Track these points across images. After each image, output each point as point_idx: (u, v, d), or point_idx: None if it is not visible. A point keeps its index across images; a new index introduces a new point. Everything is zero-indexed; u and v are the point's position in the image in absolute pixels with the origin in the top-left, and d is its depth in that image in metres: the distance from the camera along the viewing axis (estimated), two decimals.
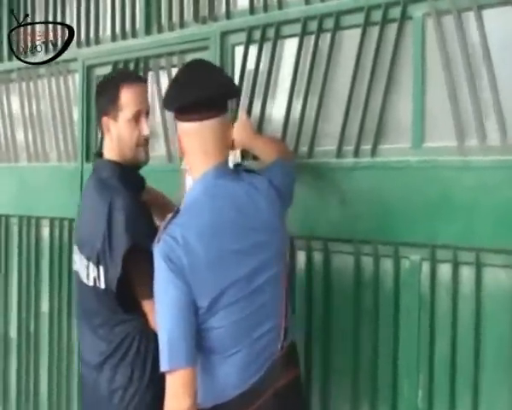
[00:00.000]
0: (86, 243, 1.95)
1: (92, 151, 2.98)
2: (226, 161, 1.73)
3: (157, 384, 1.77)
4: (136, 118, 1.97)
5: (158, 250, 1.63)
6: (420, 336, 1.95)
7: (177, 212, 1.67)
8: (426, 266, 1.94)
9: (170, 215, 1.68)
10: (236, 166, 1.80)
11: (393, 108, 2.05)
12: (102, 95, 2.01)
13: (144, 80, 2.07)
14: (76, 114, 3.07)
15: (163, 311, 1.61)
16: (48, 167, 3.23)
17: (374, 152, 2.08)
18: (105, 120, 1.98)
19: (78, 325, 2.08)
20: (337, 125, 2.15)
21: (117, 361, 1.92)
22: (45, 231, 3.23)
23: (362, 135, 2.10)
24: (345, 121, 2.13)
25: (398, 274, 2.01)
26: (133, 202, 1.90)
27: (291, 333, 1.74)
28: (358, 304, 2.09)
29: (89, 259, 1.93)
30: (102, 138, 2.15)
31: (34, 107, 3.31)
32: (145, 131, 1.99)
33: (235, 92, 1.78)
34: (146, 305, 1.85)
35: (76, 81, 3.08)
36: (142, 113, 1.99)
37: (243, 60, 2.39)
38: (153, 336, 1.79)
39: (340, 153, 2.15)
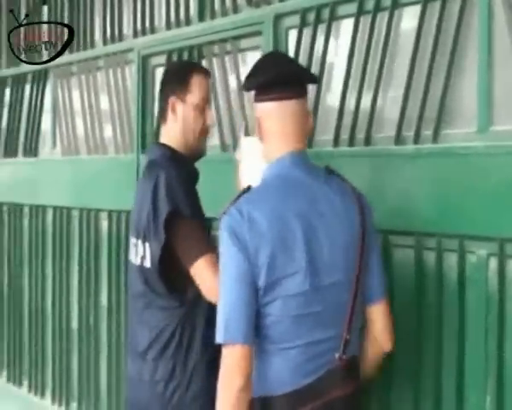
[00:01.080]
0: (136, 223, 1.97)
1: (149, 142, 2.98)
2: (304, 151, 1.69)
3: (198, 384, 1.74)
4: (203, 105, 2.00)
5: (223, 222, 1.60)
6: (487, 336, 1.82)
7: (247, 189, 1.65)
8: (493, 262, 1.82)
9: (239, 192, 1.66)
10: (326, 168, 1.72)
11: (457, 90, 1.93)
12: (172, 75, 2.03)
13: (210, 75, 2.09)
14: (133, 105, 3.09)
15: (225, 282, 1.59)
16: (106, 159, 3.26)
17: (436, 137, 1.96)
18: (172, 99, 1.98)
19: (127, 312, 2.09)
20: (396, 109, 2.04)
21: (159, 351, 1.90)
22: (104, 224, 3.26)
23: (423, 119, 1.98)
24: (404, 105, 2.02)
25: (464, 270, 1.89)
26: (178, 177, 1.90)
27: (354, 347, 1.66)
28: (420, 302, 1.98)
29: (138, 237, 1.95)
30: (159, 126, 2.13)
31: (93, 99, 3.35)
32: (210, 120, 2.03)
33: (313, 78, 1.76)
34: (194, 268, 1.82)
35: (133, 72, 3.09)
36: (208, 102, 2.03)
37: (297, 43, 2.31)
38: (196, 332, 1.76)
39: (399, 139, 2.04)
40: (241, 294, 1.56)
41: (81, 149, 3.47)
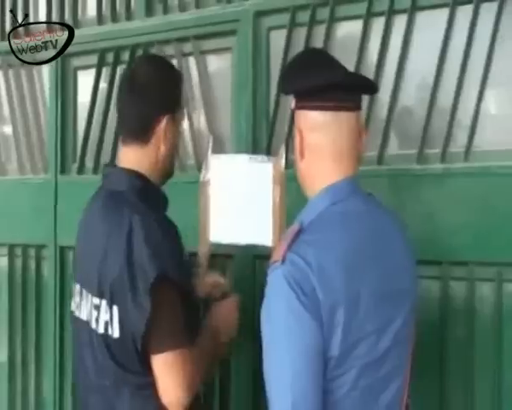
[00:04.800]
0: (95, 276, 1.58)
1: (69, 160, 2.59)
2: (357, 177, 1.42)
3: None
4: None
5: (282, 273, 1.27)
6: None
7: (300, 229, 1.33)
8: None
9: (293, 230, 1.34)
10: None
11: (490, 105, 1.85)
12: (160, 84, 1.62)
13: None
14: (44, 115, 2.66)
15: (283, 361, 1.26)
16: (5, 182, 2.78)
17: (467, 156, 1.85)
18: (166, 119, 1.61)
19: (78, 389, 1.69)
20: (415, 124, 1.91)
21: None
22: (2, 262, 2.77)
23: (451, 135, 1.87)
24: (428, 119, 1.89)
25: (501, 301, 1.79)
26: (160, 224, 1.56)
27: None
28: (446, 339, 1.85)
29: (101, 296, 1.57)
30: (115, 145, 1.78)
31: None
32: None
33: (376, 87, 1.48)
34: (159, 359, 1.50)
35: (43, 74, 2.67)
36: None
37: (286, 46, 2.09)
38: None
39: (421, 157, 1.91)
40: (309, 377, 1.25)
41: None
